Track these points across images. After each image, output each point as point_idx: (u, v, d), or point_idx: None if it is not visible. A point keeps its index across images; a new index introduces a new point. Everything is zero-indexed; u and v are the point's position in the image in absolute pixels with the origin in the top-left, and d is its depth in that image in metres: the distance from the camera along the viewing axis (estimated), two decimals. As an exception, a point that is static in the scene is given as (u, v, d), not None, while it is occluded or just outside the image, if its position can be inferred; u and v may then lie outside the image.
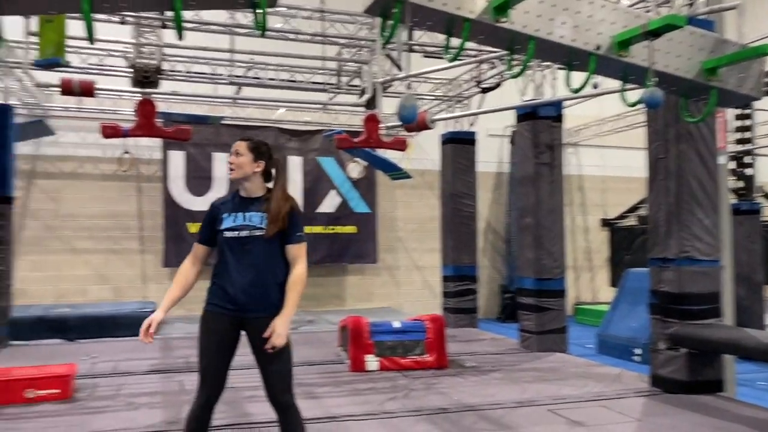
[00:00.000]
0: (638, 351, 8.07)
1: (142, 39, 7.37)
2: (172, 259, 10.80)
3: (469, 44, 3.91)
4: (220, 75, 8.83)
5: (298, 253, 3.19)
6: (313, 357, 7.25)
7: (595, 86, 7.21)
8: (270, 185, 3.31)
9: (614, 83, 4.53)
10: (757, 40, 6.31)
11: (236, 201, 3.24)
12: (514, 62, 4.38)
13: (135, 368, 6.66)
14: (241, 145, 3.24)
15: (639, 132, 9.29)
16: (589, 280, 14.19)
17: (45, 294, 10.62)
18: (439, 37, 7.48)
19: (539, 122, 7.81)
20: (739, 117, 10.51)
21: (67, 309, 9.43)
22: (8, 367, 5.89)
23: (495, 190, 13.54)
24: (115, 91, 8.54)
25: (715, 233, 5.52)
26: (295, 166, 11.90)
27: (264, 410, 4.29)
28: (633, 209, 13.68)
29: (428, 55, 8.32)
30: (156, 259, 11.15)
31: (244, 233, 3.13)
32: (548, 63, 7.69)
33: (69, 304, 9.99)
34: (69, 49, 7.03)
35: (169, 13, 3.69)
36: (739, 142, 10.56)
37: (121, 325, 8.93)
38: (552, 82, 8.35)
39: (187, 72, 8.70)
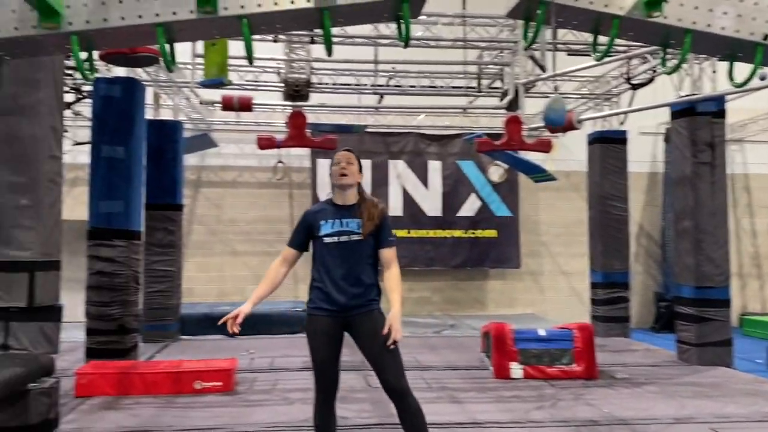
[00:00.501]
0: (819, 369, 7.25)
1: (293, 55, 7.82)
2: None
3: (618, 39, 3.74)
4: (364, 85, 9.13)
5: (391, 255, 3.43)
6: (456, 362, 7.27)
7: (763, 77, 6.56)
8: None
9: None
10: None
11: (333, 209, 3.44)
12: (668, 57, 4.12)
13: (290, 364, 7.05)
14: (351, 156, 3.48)
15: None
16: (757, 289, 12.91)
17: (209, 293, 11.57)
18: (584, 34, 7.20)
19: (698, 118, 7.25)
20: None
21: (228, 307, 10.06)
22: (179, 360, 6.51)
23: (648, 191, 12.74)
24: (269, 105, 9.13)
25: None
26: (434, 170, 12.02)
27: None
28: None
29: (573, 53, 8.04)
30: (306, 262, 11.70)
31: (343, 238, 3.35)
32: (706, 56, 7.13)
33: (230, 303, 10.81)
34: (229, 68, 7.63)
35: (318, 30, 3.89)
36: None
37: (276, 322, 9.50)
38: (711, 75, 7.71)
39: (333, 84, 9.10)
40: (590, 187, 9.87)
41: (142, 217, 7.58)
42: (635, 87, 8.63)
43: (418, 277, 12.09)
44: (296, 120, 7.46)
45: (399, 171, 11.92)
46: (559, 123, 3.96)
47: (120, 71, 7.59)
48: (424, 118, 11.78)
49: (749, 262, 12.91)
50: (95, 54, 5.85)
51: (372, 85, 9.02)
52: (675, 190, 7.75)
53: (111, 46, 3.70)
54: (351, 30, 7.62)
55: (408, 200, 11.94)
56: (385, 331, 3.24)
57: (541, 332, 6.56)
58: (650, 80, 8.50)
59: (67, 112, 9.30)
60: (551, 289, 12.47)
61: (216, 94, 8.01)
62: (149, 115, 8.53)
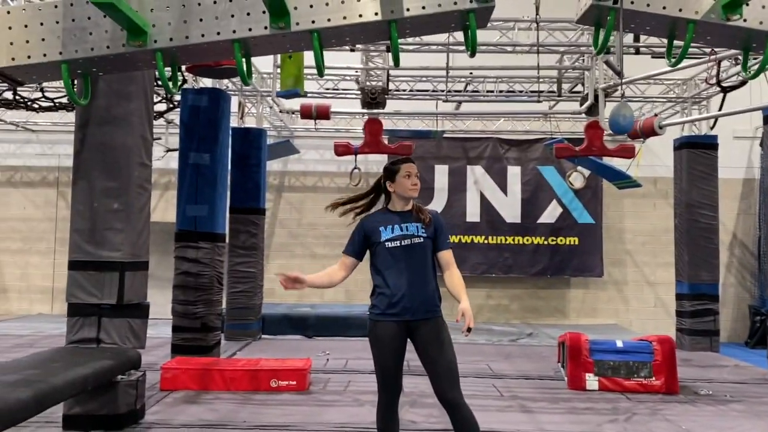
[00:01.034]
0: None
1: (370, 63, 7.98)
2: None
3: (696, 44, 3.62)
4: (441, 91, 9.17)
5: (450, 257, 3.53)
6: (530, 371, 7.17)
7: None
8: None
9: None
10: None
11: (391, 215, 3.53)
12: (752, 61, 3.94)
13: (362, 367, 7.17)
14: (416, 169, 3.58)
15: None
16: None
17: (289, 294, 11.89)
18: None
19: (796, 122, 6.83)
20: None
21: (307, 309, 10.51)
22: (257, 359, 6.77)
23: (743, 199, 12.04)
24: (348, 113, 9.34)
25: None
26: (513, 175, 11.85)
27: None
28: None
29: (657, 56, 7.76)
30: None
31: (405, 242, 3.41)
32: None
33: (309, 305, 11.13)
34: (309, 77, 7.89)
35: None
36: None
37: (352, 325, 9.68)
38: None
39: (410, 90, 9.19)
40: (677, 195, 9.46)
41: (227, 220, 7.94)
42: (726, 90, 8.21)
43: (496, 284, 11.97)
44: (372, 126, 7.62)
45: (477, 177, 11.85)
46: (626, 129, 3.86)
47: (207, 82, 8.01)
48: (503, 123, 11.66)
49: None
50: (183, 67, 6.22)
51: (449, 91, 9.04)
52: (769, 198, 7.33)
53: (192, 61, 3.93)
54: (426, 37, 7.68)
55: (486, 206, 11.84)
56: (458, 319, 3.30)
57: (619, 344, 6.36)
58: (743, 83, 8.05)
59: (160, 121, 9.93)
60: (636, 300, 12.01)
61: (296, 103, 8.28)
62: (234, 123, 8.93)
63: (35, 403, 3.40)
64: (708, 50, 7.23)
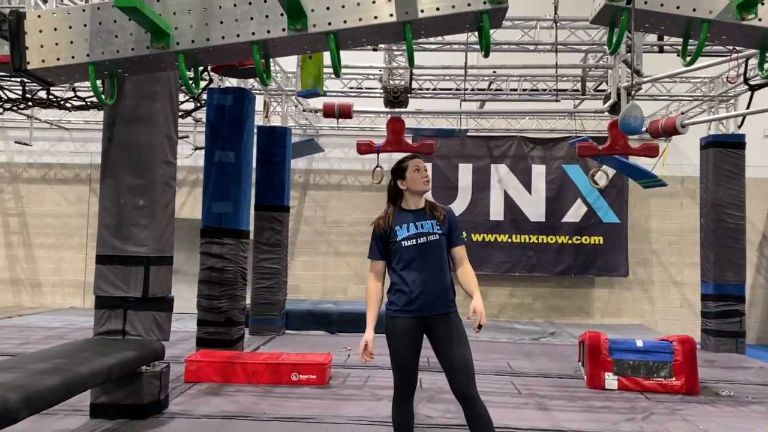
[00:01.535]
0: None
1: (393, 62, 8.05)
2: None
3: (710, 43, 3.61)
4: (465, 90, 9.19)
5: (463, 252, 3.59)
6: (550, 370, 7.17)
7: None
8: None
9: None
10: None
11: (405, 214, 3.58)
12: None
13: (382, 362, 7.17)
14: (424, 163, 3.66)
15: None
16: None
17: (313, 290, 12.07)
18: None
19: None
20: None
21: (330, 305, 10.63)
22: (279, 353, 6.90)
23: (773, 198, 11.84)
24: (372, 111, 9.42)
25: None
26: (538, 174, 11.81)
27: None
28: None
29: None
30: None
31: (421, 240, 3.47)
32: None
33: (332, 301, 11.25)
34: (332, 77, 7.98)
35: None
36: None
37: (374, 322, 9.75)
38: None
39: (434, 89, 9.23)
40: (702, 194, 9.34)
41: (251, 217, 8.08)
42: (754, 88, 8.09)
43: (519, 283, 11.96)
44: (394, 125, 7.69)
45: (501, 175, 11.84)
46: (637, 130, 3.86)
47: (233, 81, 8.16)
48: (527, 121, 11.63)
49: None
50: (209, 67, 6.36)
51: (472, 90, 9.06)
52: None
53: (213, 62, 4.04)
54: (448, 36, 7.72)
55: (510, 205, 11.82)
56: (470, 315, 3.37)
57: (639, 343, 6.33)
58: (771, 80, 7.93)
59: (189, 119, 10.13)
60: (661, 300, 11.89)
61: (320, 102, 8.38)
62: (260, 121, 9.07)
63: (62, 390, 3.55)
64: (731, 48, 7.12)
